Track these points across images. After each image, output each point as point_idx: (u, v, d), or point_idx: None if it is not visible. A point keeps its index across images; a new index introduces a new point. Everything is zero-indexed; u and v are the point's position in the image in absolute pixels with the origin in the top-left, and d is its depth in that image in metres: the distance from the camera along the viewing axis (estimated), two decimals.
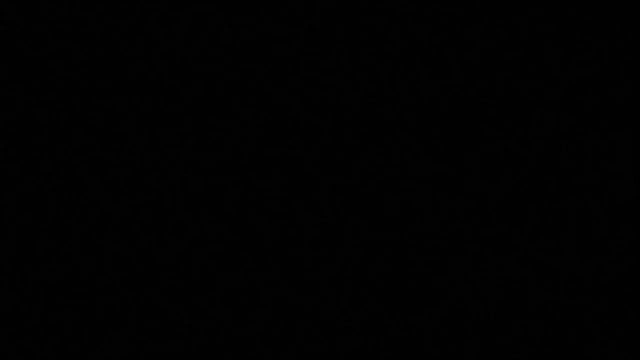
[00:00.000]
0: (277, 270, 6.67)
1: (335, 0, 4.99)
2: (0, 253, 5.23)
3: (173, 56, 5.05)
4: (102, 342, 5.43)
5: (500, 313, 5.96)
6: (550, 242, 6.76)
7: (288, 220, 6.02)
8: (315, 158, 5.90)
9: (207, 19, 4.91)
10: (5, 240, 5.26)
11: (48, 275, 5.70)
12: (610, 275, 5.93)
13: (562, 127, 5.41)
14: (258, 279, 6.89)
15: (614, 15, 4.86)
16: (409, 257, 6.98)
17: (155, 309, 6.17)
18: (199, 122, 5.15)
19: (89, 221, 5.33)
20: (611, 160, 5.52)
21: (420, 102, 5.86)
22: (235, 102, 5.38)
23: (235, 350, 5.55)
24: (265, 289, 6.81)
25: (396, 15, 5.03)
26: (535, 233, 6.32)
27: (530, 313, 5.87)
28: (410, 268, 7.31)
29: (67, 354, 5.27)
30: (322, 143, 5.86)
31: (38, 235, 5.79)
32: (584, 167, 5.39)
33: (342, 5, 5.09)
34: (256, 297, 6.72)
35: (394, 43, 5.24)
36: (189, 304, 6.31)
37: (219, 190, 5.86)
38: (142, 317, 5.95)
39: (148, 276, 6.24)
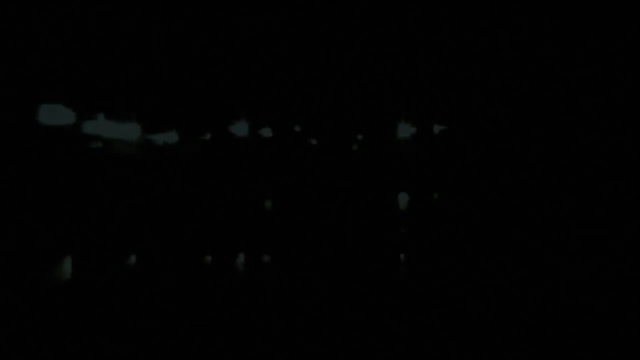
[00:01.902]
0: (277, 270, 6.62)
1: (335, 1, 5.02)
2: (1, 254, 5.25)
3: (173, 57, 5.08)
4: (102, 342, 5.42)
5: (500, 313, 5.93)
6: (550, 242, 6.73)
7: (287, 221, 6.03)
8: (314, 158, 5.93)
9: (207, 19, 4.94)
10: (6, 241, 5.28)
11: (47, 275, 5.71)
12: (611, 276, 5.89)
13: (562, 127, 5.43)
14: (258, 279, 6.82)
15: (614, 16, 4.87)
16: (409, 257, 6.95)
17: (155, 309, 6.13)
18: (198, 122, 5.18)
19: (89, 221, 5.34)
20: (612, 161, 5.53)
21: (421, 102, 5.88)
22: (235, 103, 5.41)
23: (235, 350, 5.53)
24: (265, 288, 6.74)
25: (396, 16, 5.05)
26: (536, 233, 6.31)
27: (530, 313, 5.85)
28: (410, 268, 7.25)
29: (67, 354, 5.26)
30: (321, 143, 5.88)
31: (37, 236, 5.81)
32: (584, 167, 5.41)
33: (342, 6, 5.12)
34: (256, 297, 6.66)
35: (394, 43, 5.27)
36: (188, 304, 6.25)
37: (218, 190, 5.89)
38: (142, 317, 5.91)
39: (148, 276, 6.21)
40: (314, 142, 21.47)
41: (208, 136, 20.26)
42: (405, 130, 20.37)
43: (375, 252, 10.50)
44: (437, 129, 18.73)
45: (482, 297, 7.35)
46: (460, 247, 10.41)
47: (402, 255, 10.24)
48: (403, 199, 17.34)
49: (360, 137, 20.42)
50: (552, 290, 7.42)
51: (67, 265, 9.23)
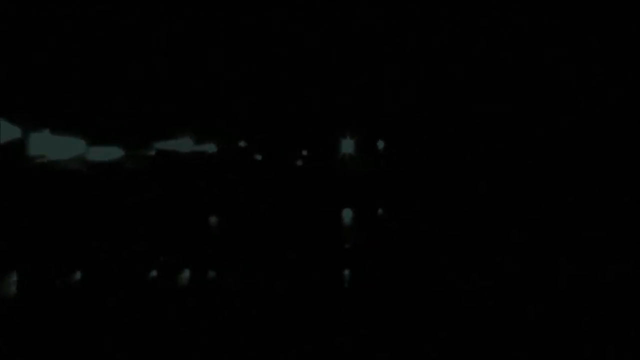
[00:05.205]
0: (276, 270, 6.65)
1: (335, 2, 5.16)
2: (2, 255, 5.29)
3: (118, 72, 5.19)
4: (102, 342, 5.43)
5: (500, 313, 6.02)
6: (549, 243, 6.86)
7: (231, 236, 6.11)
8: (258, 174, 6.05)
9: (151, 39, 5.06)
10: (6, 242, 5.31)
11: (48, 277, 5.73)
12: (610, 276, 6.01)
13: (562, 127, 5.61)
14: (257, 280, 6.83)
15: (614, 16, 5.07)
16: (408, 257, 7.04)
17: (154, 309, 6.14)
18: (142, 137, 5.28)
19: (34, 237, 5.38)
20: (613, 161, 5.70)
21: (364, 118, 6.06)
22: (179, 118, 5.53)
23: (234, 350, 5.53)
24: (264, 289, 6.75)
25: (396, 17, 5.21)
26: (536, 233, 6.45)
27: (529, 314, 5.94)
28: (410, 268, 7.31)
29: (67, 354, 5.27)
30: (266, 159, 6.01)
31: (36, 237, 5.82)
32: (585, 167, 5.57)
33: (341, 7, 5.26)
34: (255, 297, 6.67)
35: (393, 45, 5.43)
36: (187, 305, 6.25)
37: (162, 205, 5.98)
38: (141, 317, 5.93)
39: (147, 277, 6.24)
40: (258, 157, 21.55)
41: (152, 152, 20.23)
42: (348, 145, 20.53)
43: (320, 267, 10.59)
44: (380, 144, 18.93)
45: (426, 310, 7.48)
46: (460, 248, 10.48)
47: (346, 272, 10.34)
48: (347, 214, 17.50)
49: (305, 152, 20.55)
50: (552, 290, 7.49)
51: (10, 280, 9.16)
